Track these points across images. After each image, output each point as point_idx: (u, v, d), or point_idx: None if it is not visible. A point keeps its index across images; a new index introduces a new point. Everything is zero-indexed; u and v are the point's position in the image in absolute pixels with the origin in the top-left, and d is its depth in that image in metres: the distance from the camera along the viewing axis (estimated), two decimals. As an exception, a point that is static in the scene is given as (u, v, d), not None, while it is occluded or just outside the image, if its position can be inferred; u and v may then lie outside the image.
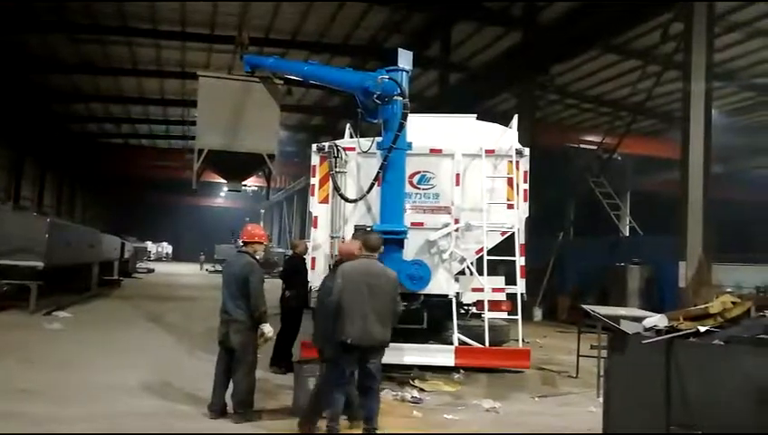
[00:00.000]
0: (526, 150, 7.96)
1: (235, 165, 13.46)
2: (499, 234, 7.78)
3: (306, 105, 30.58)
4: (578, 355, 9.16)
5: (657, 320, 4.39)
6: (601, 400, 7.52)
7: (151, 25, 21.14)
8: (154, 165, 42.68)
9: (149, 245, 46.63)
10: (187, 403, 6.76)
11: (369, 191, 7.52)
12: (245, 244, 6.54)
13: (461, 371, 8.14)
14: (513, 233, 7.75)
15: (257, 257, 6.59)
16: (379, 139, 7.62)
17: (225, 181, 15.59)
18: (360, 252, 5.67)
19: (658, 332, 4.27)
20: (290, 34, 22.26)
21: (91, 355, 9.34)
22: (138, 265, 34.09)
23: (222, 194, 55.65)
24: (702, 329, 4.14)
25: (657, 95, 24.56)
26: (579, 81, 24.09)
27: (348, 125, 8.87)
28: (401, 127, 7.17)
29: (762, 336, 3.95)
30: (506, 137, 8.26)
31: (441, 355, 7.35)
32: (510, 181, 7.88)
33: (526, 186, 7.91)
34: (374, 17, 20.96)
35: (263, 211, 49.49)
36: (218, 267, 41.06)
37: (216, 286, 28.16)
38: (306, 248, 8.80)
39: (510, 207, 7.84)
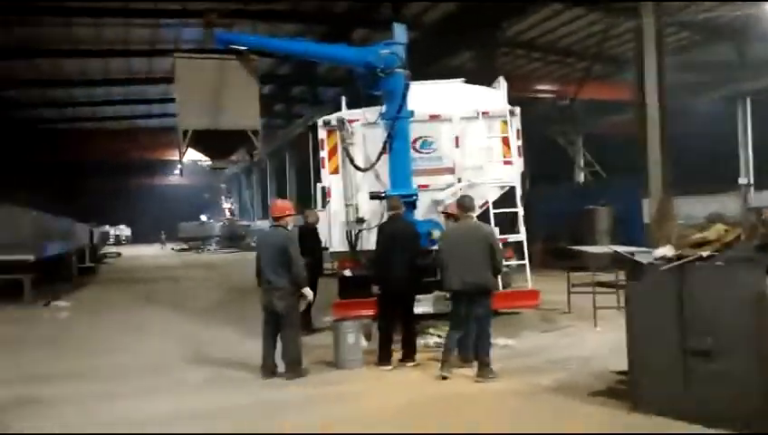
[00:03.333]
0: (517, 110, 8.68)
1: (220, 143, 13.76)
2: (498, 188, 8.53)
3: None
4: (569, 293, 10.15)
5: (666, 250, 5.20)
6: (599, 329, 8.61)
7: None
8: (103, 148, 41.70)
9: (108, 229, 45.93)
10: (235, 369, 7.31)
11: (378, 159, 8.11)
12: (277, 218, 7.05)
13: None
14: (512, 187, 8.51)
15: (288, 228, 7.12)
16: (379, 109, 8.18)
17: (209, 160, 15.81)
18: (459, 212, 6.71)
19: (669, 260, 5.08)
20: (241, 3, 22.09)
21: (115, 339, 9.76)
22: (104, 251, 33.79)
23: (175, 172, 54.85)
24: (705, 254, 4.97)
25: (605, 39, 25.68)
26: (529, 30, 24.86)
27: (342, 97, 9.34)
28: (404, 97, 7.74)
29: (752, 256, 4.82)
30: (496, 98, 8.94)
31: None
32: (505, 140, 8.61)
33: (519, 143, 8.64)
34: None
35: (223, 186, 49.16)
36: (185, 246, 41.05)
37: (191, 265, 28.59)
38: (317, 218, 9.33)
39: (507, 163, 8.59)
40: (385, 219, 7.57)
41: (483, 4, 19.41)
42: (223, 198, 47.12)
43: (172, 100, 36.36)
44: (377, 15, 23.80)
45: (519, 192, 8.54)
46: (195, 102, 12.85)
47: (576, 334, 8.46)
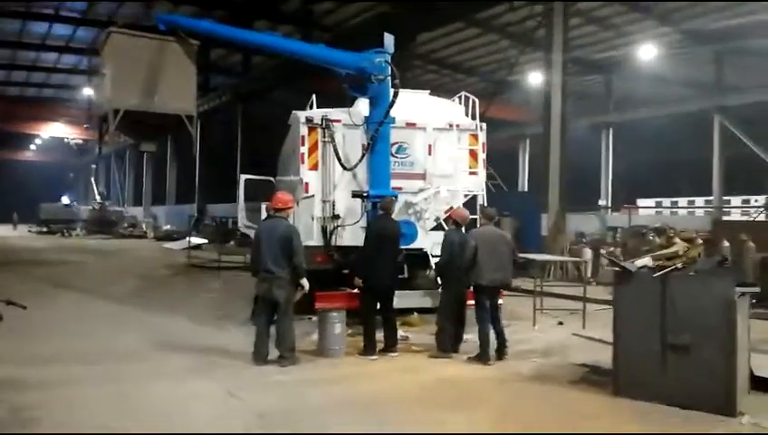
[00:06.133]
0: (484, 125, 9.50)
1: (151, 126, 13.28)
2: (463, 196, 9.27)
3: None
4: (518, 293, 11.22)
5: (646, 261, 6.22)
6: (537, 328, 9.65)
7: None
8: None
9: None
10: (218, 356, 7.40)
11: (361, 160, 8.53)
12: (278, 210, 7.23)
13: (415, 312, 9.61)
14: (474, 195, 9.31)
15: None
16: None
17: (135, 141, 15.08)
18: (482, 220, 7.76)
19: (650, 269, 6.09)
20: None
21: (69, 326, 9.14)
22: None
23: (32, 147, 50.22)
24: (680, 265, 6.03)
25: (493, 61, 27.83)
26: (443, 49, 26.33)
27: (313, 96, 9.61)
28: (392, 104, 8.25)
29: (719, 268, 5.96)
30: (460, 112, 9.71)
31: (433, 298, 8.69)
32: (472, 152, 9.39)
33: (484, 155, 9.46)
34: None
35: (94, 166, 45.67)
36: (44, 229, 37.82)
37: (68, 250, 26.44)
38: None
39: (472, 173, 9.37)
40: (371, 217, 8.04)
41: (401, 14, 20.31)
42: (93, 179, 43.88)
43: (57, 70, 34.14)
44: (284, 7, 23.99)
45: (480, 201, 9.33)
46: (128, 81, 12.38)
47: (520, 333, 9.37)
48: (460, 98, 10.00)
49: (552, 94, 16.70)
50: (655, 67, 24.78)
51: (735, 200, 29.17)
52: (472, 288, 7.45)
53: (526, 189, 34.41)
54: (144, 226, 37.27)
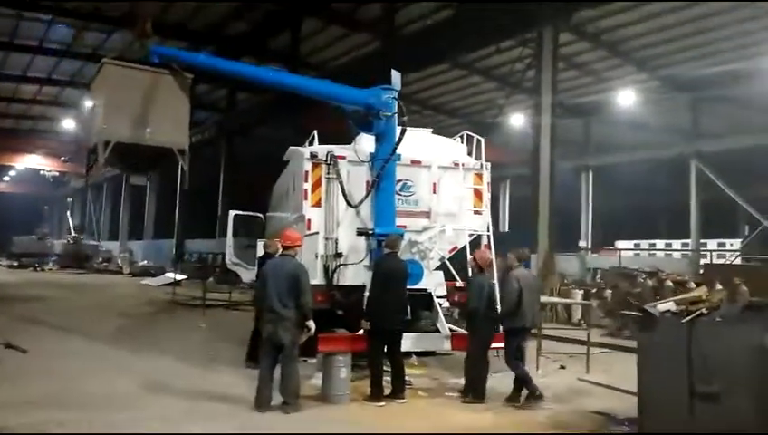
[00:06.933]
0: (488, 165, 9.41)
1: (142, 159, 12.96)
2: (468, 236, 9.10)
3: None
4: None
5: (670, 305, 6.07)
6: (540, 372, 9.39)
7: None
8: None
9: None
10: (217, 401, 7.00)
11: (366, 196, 8.34)
12: (287, 248, 6.97)
13: (413, 355, 9.30)
14: (479, 235, 9.14)
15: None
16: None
17: (125, 174, 14.67)
18: (515, 263, 7.66)
19: (674, 314, 5.93)
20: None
21: (55, 367, 8.57)
22: None
23: (5, 178, 48.98)
24: (705, 311, 5.89)
25: (475, 103, 28.16)
26: (426, 90, 26.57)
27: (314, 132, 9.44)
28: (400, 141, 8.11)
29: (745, 314, 5.83)
30: (462, 151, 9.61)
31: (437, 341, 8.43)
32: (477, 192, 9.26)
33: (488, 195, 9.34)
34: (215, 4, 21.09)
35: (70, 200, 44.63)
36: (15, 262, 36.64)
37: (43, 284, 25.51)
38: (278, 248, 9.17)
39: (476, 213, 9.22)
40: (377, 256, 7.82)
41: (389, 54, 20.47)
42: (69, 213, 42.80)
43: (37, 102, 33.53)
44: (272, 44, 24.06)
45: (485, 241, 9.15)
46: (120, 113, 12.09)
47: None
48: (462, 137, 9.91)
49: (541, 137, 16.79)
50: (633, 112, 25.29)
51: (712, 243, 29.62)
52: (509, 331, 7.44)
53: (507, 229, 34.51)
54: (119, 261, 36.34)
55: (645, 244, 33.95)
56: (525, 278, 7.57)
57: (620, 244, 31.95)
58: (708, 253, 26.22)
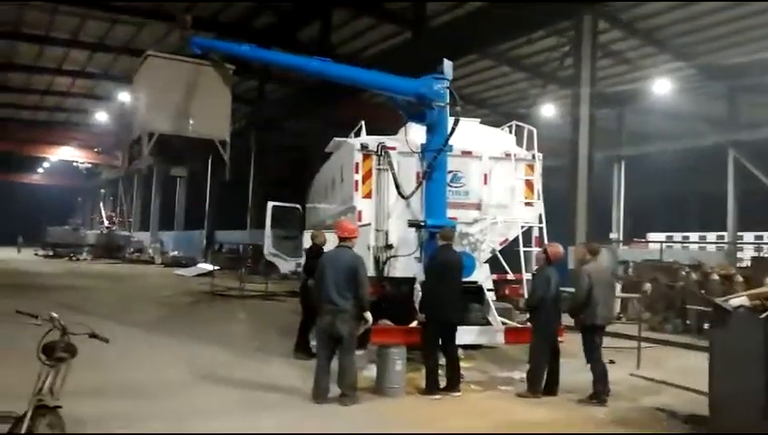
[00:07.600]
0: (540, 155, 9.25)
1: (183, 150, 13.06)
2: (519, 227, 8.97)
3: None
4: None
5: (743, 300, 5.90)
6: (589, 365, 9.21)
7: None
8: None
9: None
10: (271, 391, 7.02)
11: (417, 188, 8.25)
12: (343, 239, 6.92)
13: (460, 349, 9.17)
14: (530, 227, 9.00)
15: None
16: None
17: (166, 165, 14.81)
18: (587, 257, 7.57)
19: (747, 309, 5.76)
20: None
21: (107, 355, 8.59)
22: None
23: (40, 170, 49.73)
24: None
25: (504, 93, 27.76)
26: (455, 80, 26.26)
27: (362, 123, 9.37)
28: (453, 131, 7.99)
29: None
30: (512, 141, 9.47)
31: (491, 335, 8.32)
32: (528, 183, 9.11)
33: (540, 187, 9.19)
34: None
35: (103, 191, 45.30)
36: (50, 252, 37.32)
37: (78, 274, 25.86)
38: (325, 239, 9.15)
39: (528, 205, 9.07)
40: (432, 248, 7.73)
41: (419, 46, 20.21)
42: (102, 204, 43.43)
43: (71, 94, 33.83)
44: (300, 36, 23.97)
45: (537, 233, 9.01)
46: (164, 105, 12.19)
47: (577, 372, 8.72)
48: (510, 127, 9.75)
49: (579, 129, 16.50)
50: (668, 101, 24.76)
51: (748, 236, 28.95)
52: (582, 328, 7.29)
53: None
54: (151, 251, 36.78)
55: (678, 236, 33.29)
56: (598, 274, 7.37)
57: (652, 236, 31.44)
58: (744, 246, 25.66)
